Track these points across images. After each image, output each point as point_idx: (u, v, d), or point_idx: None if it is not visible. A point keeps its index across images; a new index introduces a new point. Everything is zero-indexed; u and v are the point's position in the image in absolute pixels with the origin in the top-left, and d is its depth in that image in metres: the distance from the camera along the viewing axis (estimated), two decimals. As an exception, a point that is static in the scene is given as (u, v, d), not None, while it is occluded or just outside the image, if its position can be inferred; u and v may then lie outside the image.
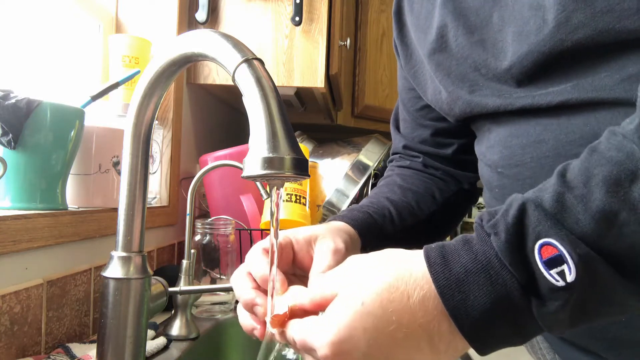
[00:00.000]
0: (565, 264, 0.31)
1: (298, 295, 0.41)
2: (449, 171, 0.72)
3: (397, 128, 0.78)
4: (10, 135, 0.63)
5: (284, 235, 0.48)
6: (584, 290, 0.32)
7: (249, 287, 0.45)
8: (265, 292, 0.44)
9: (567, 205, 0.33)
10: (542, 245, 0.32)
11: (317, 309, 0.40)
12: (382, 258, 0.39)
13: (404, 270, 0.36)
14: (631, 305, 0.34)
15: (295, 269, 0.49)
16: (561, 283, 0.32)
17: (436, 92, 0.62)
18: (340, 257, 0.46)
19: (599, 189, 0.32)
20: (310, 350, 0.37)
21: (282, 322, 0.40)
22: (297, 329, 0.38)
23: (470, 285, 0.34)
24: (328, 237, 0.49)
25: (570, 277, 0.31)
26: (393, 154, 0.79)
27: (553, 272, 0.32)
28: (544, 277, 0.32)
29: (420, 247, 0.38)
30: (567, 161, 0.36)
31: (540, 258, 0.32)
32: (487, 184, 0.58)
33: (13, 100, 0.62)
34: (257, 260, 0.46)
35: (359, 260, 0.40)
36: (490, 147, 0.55)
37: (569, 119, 0.46)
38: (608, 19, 0.42)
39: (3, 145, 0.63)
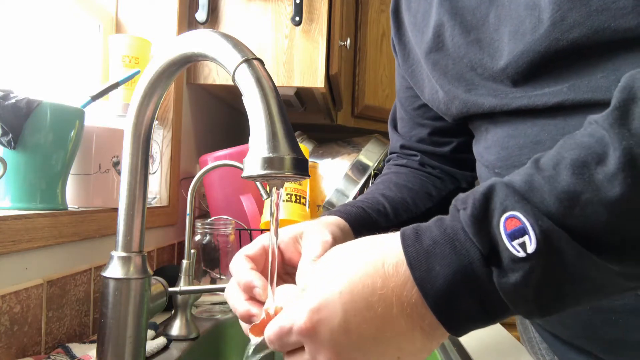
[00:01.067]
0: (527, 235, 0.32)
1: (284, 295, 0.42)
2: (446, 170, 0.72)
3: (395, 128, 0.78)
4: (10, 135, 0.63)
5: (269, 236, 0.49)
6: (546, 264, 0.32)
7: (241, 299, 0.45)
8: (257, 300, 0.44)
9: (535, 186, 0.33)
10: (507, 219, 0.33)
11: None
12: (361, 243, 0.40)
13: (380, 246, 0.38)
14: (614, 284, 0.34)
15: (286, 268, 0.50)
16: (522, 254, 0.32)
17: (433, 91, 0.62)
18: (329, 248, 0.46)
19: (566, 171, 0.33)
20: (287, 335, 0.36)
21: (261, 329, 0.40)
22: (270, 324, 0.38)
23: (436, 256, 0.34)
24: (314, 231, 0.49)
25: (530, 248, 0.32)
26: (391, 153, 0.79)
27: (515, 243, 0.32)
28: (506, 247, 0.32)
29: None
30: None
31: (505, 230, 0.33)
32: (485, 183, 0.58)
33: (13, 100, 0.63)
34: (240, 269, 0.46)
35: (339, 249, 0.41)
36: (488, 147, 0.56)
37: (566, 120, 0.46)
38: (603, 17, 0.42)
39: (3, 145, 0.63)
